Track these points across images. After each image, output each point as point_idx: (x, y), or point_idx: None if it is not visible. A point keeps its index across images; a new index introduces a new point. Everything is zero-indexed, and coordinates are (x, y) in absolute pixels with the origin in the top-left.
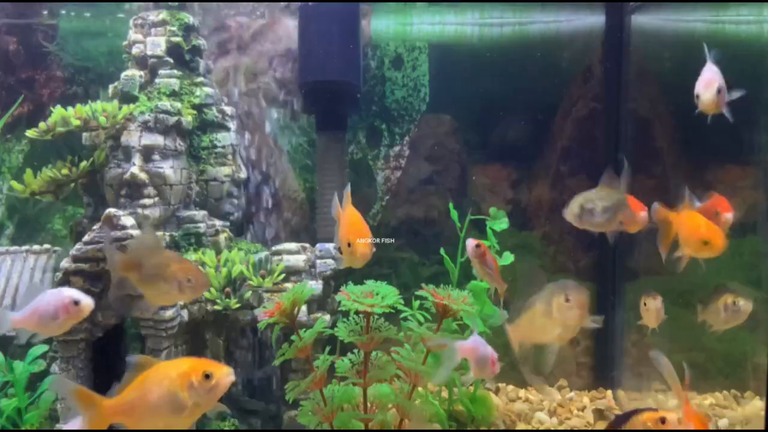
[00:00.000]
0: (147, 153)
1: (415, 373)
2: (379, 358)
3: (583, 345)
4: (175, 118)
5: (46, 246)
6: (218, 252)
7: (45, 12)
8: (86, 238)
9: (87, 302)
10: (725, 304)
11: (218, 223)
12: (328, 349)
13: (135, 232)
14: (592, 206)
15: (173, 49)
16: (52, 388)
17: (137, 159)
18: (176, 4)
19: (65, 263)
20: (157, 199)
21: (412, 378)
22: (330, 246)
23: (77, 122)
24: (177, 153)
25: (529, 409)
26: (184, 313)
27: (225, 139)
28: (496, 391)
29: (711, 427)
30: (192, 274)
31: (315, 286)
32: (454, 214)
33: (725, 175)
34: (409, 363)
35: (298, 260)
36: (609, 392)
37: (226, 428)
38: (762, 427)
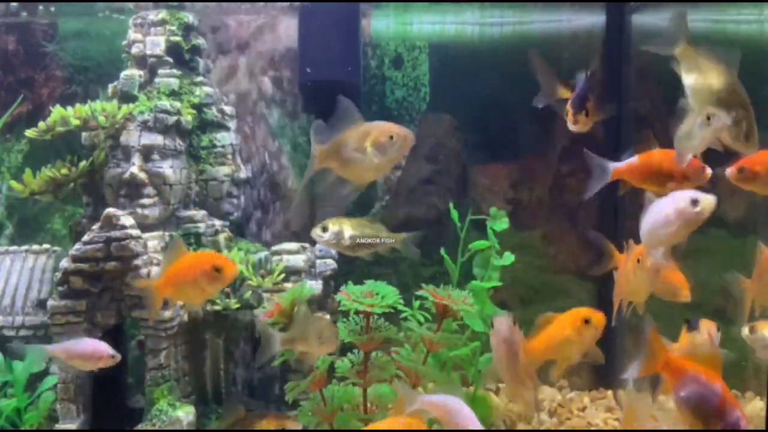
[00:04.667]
0: (146, 153)
1: (415, 373)
2: (379, 358)
3: None
4: (175, 118)
5: (46, 246)
6: (218, 252)
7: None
8: (86, 238)
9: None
10: None
11: (218, 222)
12: None
13: (135, 231)
14: None
15: (173, 49)
16: None
17: (137, 159)
18: (176, 3)
19: (65, 263)
20: (156, 198)
21: (412, 378)
22: None
23: (77, 122)
24: (176, 153)
25: None
26: (184, 314)
27: (224, 138)
28: (497, 392)
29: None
30: (395, 130)
31: (314, 286)
32: (455, 214)
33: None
34: (409, 363)
35: (298, 260)
36: (609, 392)
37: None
38: (762, 427)
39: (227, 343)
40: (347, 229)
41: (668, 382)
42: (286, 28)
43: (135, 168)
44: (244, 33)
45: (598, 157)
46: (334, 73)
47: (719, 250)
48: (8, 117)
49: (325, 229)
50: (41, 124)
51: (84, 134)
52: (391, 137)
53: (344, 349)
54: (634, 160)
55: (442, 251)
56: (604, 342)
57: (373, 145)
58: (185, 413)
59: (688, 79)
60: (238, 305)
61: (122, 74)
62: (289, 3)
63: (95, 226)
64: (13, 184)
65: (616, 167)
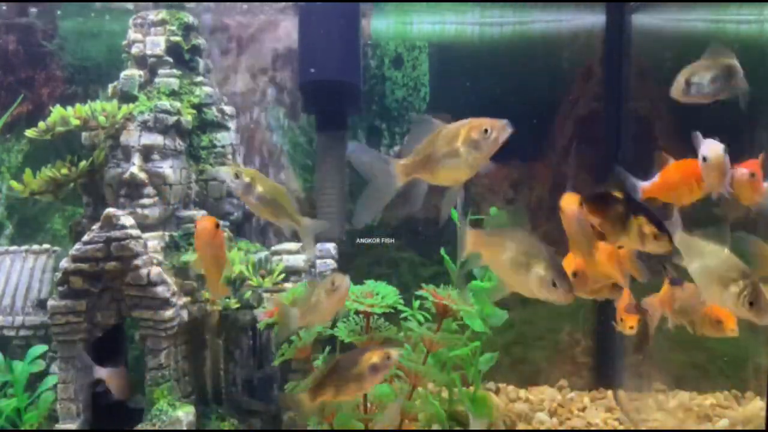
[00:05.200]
0: (146, 153)
1: (415, 373)
2: None
3: (583, 345)
4: (175, 118)
5: (46, 246)
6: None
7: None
8: (86, 238)
9: None
10: None
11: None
12: (328, 349)
13: (135, 231)
14: (699, 79)
15: (173, 49)
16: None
17: (137, 159)
18: (176, 3)
19: (65, 263)
20: (156, 198)
21: (412, 378)
22: (330, 246)
23: (77, 122)
24: (176, 152)
25: (529, 409)
26: (184, 313)
27: (224, 138)
28: (497, 392)
29: None
30: (488, 123)
31: None
32: (455, 214)
33: None
34: (409, 363)
35: (298, 260)
36: (609, 392)
37: (226, 428)
38: (762, 427)
39: (227, 343)
40: (259, 186)
41: None
42: (286, 28)
43: (135, 168)
44: (244, 33)
45: (629, 176)
46: (334, 73)
47: None
48: (8, 117)
49: (237, 175)
50: (41, 124)
51: (84, 134)
52: (486, 130)
53: (344, 349)
54: (656, 179)
55: (442, 251)
56: (603, 342)
57: (466, 143)
58: (185, 413)
59: (691, 264)
60: (238, 305)
61: (122, 74)
62: (293, 2)
63: (95, 226)
64: (13, 184)
65: (643, 186)
